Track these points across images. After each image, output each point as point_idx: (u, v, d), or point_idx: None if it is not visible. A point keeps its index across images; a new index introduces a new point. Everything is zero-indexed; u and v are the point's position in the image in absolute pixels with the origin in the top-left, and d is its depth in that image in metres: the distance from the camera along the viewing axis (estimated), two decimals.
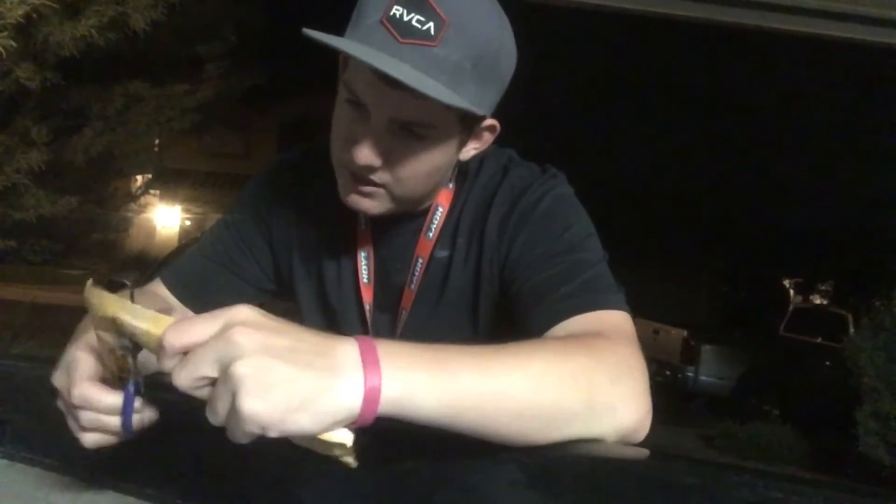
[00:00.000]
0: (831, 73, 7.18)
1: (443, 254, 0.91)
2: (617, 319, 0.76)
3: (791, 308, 10.53)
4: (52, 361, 0.78)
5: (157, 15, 4.16)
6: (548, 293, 0.78)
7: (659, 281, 10.86)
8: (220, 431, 0.51)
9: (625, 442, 0.64)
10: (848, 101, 8.05)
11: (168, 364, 0.50)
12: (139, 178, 9.04)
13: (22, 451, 0.62)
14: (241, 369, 0.47)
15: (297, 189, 0.96)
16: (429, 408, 0.53)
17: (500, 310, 0.88)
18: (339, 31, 0.77)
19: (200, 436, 0.59)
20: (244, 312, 0.50)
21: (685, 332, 8.57)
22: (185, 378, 0.49)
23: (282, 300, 1.00)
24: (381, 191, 0.81)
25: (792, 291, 16.95)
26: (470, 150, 0.86)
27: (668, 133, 9.76)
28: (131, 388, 0.57)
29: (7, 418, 0.71)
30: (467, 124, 0.81)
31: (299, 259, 0.97)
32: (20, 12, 2.71)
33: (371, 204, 0.83)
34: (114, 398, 0.58)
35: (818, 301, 15.94)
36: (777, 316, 10.29)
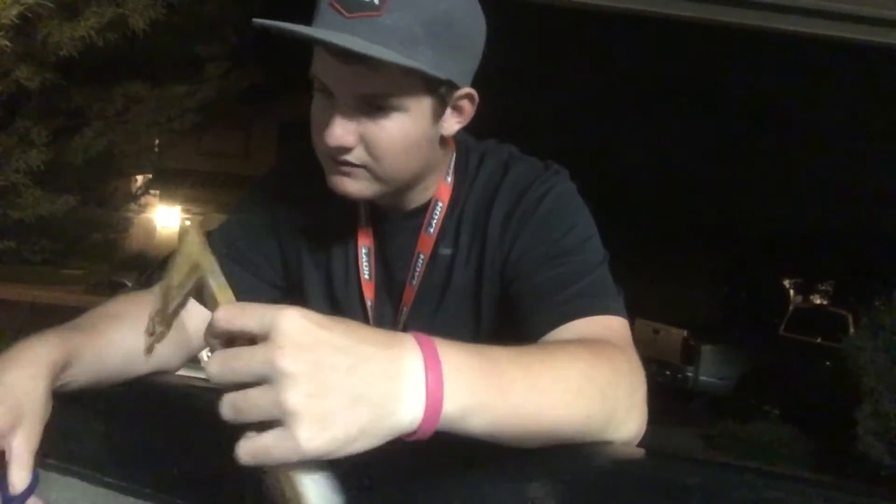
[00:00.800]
0: (831, 73, 7.18)
1: (446, 252, 0.91)
2: (617, 325, 0.77)
3: (791, 308, 10.54)
4: None
5: (157, 15, 4.16)
6: (548, 296, 0.78)
7: (659, 281, 10.86)
8: (222, 432, 0.51)
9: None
10: (848, 101, 8.05)
11: (209, 341, 0.48)
12: (139, 178, 9.03)
13: None
14: (293, 400, 0.42)
15: (302, 187, 0.97)
16: (478, 426, 0.52)
17: (502, 309, 0.88)
18: None
19: (200, 436, 0.59)
20: (295, 324, 0.44)
21: (685, 332, 8.57)
22: (219, 377, 0.45)
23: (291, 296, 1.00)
24: (361, 170, 0.81)
25: (792, 291, 16.97)
26: (452, 124, 0.85)
27: (669, 133, 9.76)
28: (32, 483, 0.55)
29: None
30: (437, 93, 0.80)
31: (308, 256, 0.97)
32: (15, 12, 2.71)
33: (355, 185, 0.83)
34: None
35: (818, 301, 15.95)
36: (777, 316, 10.30)
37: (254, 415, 0.43)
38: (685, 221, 11.81)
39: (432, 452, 0.58)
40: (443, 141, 0.87)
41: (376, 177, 0.82)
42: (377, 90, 0.76)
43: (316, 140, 0.82)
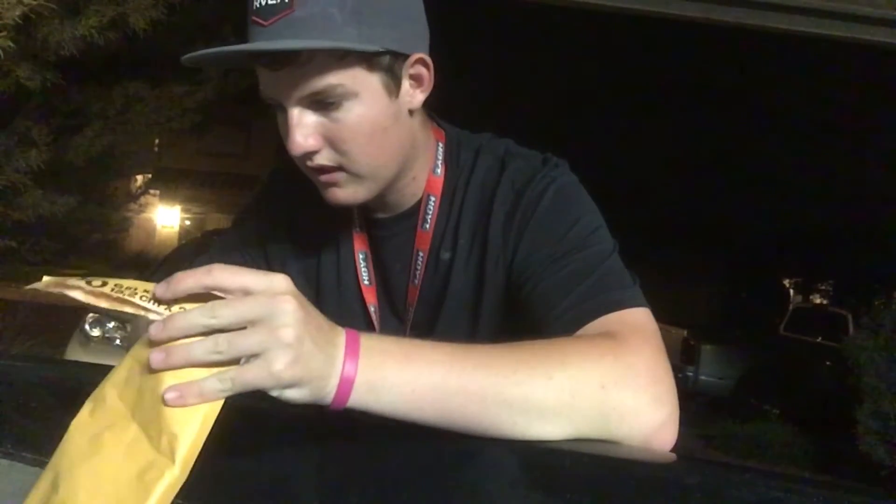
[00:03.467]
0: (831, 73, 7.17)
1: (446, 256, 0.88)
2: (633, 318, 0.73)
3: (791, 308, 10.53)
4: (52, 361, 0.78)
5: (157, 14, 4.16)
6: (557, 301, 0.75)
7: (659, 281, 10.84)
8: (223, 432, 0.51)
9: (637, 446, 0.63)
10: (848, 101, 8.04)
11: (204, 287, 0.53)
12: (139, 178, 9.04)
13: (22, 451, 0.62)
14: (288, 336, 0.52)
15: (292, 200, 0.96)
16: (390, 401, 0.57)
17: (504, 312, 0.85)
18: None
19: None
20: (287, 284, 0.55)
21: (685, 332, 8.56)
22: (230, 315, 0.52)
23: None
24: (343, 175, 0.80)
25: (792, 291, 16.95)
26: (416, 95, 0.82)
27: (668, 133, 9.76)
28: None
29: (7, 418, 0.71)
30: (382, 68, 0.77)
31: (295, 268, 0.96)
32: (17, 13, 2.72)
33: (345, 192, 0.81)
34: None
35: (818, 301, 15.94)
36: (777, 316, 10.30)
37: (244, 348, 0.52)
38: (685, 221, 11.81)
39: (428, 450, 0.58)
40: (414, 116, 0.84)
41: (358, 175, 0.80)
42: (315, 87, 0.74)
43: (292, 156, 0.80)
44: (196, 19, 5.75)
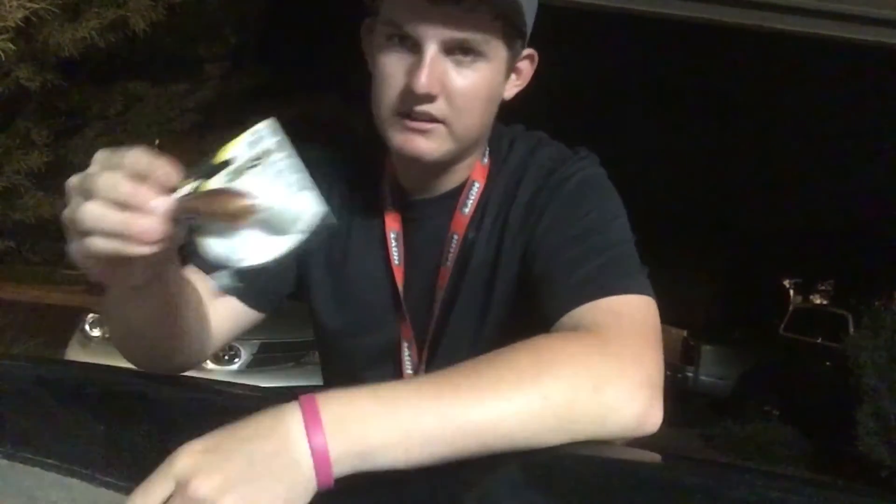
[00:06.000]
0: (831, 73, 7.17)
1: (471, 235, 0.89)
2: (632, 306, 0.72)
3: (791, 308, 10.53)
4: (52, 361, 0.78)
5: (158, 16, 4.16)
6: (562, 278, 0.75)
7: (659, 281, 10.81)
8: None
9: (630, 436, 0.63)
10: (848, 101, 8.04)
11: None
12: None
13: (22, 451, 0.62)
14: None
15: (322, 179, 0.96)
16: (391, 460, 0.53)
17: (515, 289, 0.85)
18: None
19: (202, 436, 0.59)
20: (186, 458, 0.50)
21: (685, 332, 8.56)
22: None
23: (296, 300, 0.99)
24: (440, 127, 0.79)
25: (792, 291, 16.94)
26: (512, 87, 0.85)
27: (669, 133, 9.76)
28: None
29: (7, 418, 0.71)
30: (513, 48, 0.79)
31: (320, 252, 0.94)
32: (20, 15, 2.72)
33: (429, 145, 0.79)
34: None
35: (818, 301, 15.94)
36: (777, 316, 10.29)
37: None
38: (685, 221, 11.81)
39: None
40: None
41: (452, 134, 0.80)
42: (468, 34, 0.74)
43: (388, 98, 0.79)
44: (196, 20, 5.76)
